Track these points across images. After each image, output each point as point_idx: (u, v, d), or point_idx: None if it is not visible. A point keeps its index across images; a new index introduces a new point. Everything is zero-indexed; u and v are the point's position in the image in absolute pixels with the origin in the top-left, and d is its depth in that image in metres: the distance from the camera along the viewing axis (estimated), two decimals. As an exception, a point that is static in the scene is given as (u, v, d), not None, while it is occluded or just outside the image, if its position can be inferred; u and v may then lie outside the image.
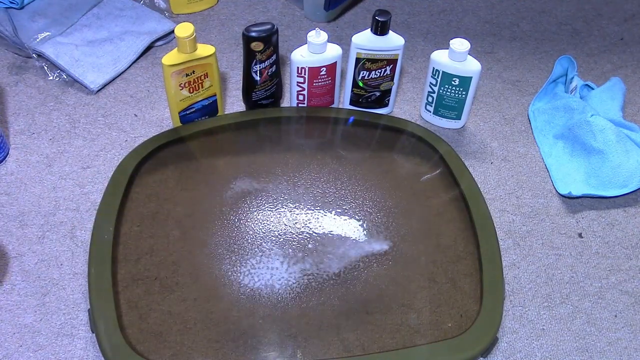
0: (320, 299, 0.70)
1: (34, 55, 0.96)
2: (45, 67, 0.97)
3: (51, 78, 0.97)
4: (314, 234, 0.76)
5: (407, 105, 0.98)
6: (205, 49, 0.82)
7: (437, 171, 0.84)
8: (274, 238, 0.75)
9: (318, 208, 0.79)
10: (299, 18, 1.13)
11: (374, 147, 0.88)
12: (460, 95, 0.89)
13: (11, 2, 1.00)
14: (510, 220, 0.83)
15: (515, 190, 0.87)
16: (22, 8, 1.02)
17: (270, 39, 0.83)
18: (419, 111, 0.97)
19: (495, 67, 1.06)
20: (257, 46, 0.83)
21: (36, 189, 0.82)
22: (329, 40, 0.86)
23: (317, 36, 0.85)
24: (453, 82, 0.88)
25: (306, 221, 0.77)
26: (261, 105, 0.92)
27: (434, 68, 0.88)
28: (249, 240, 0.75)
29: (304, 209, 0.79)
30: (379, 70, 0.88)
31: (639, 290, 0.77)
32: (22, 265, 0.74)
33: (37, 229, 0.78)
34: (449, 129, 0.94)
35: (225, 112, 0.94)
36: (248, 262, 0.73)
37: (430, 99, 0.92)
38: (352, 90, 0.92)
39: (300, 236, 0.75)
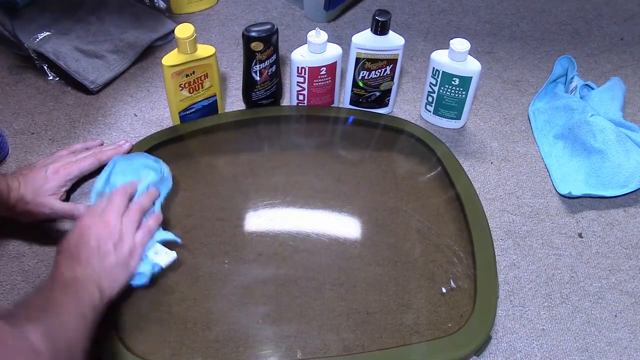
0: (320, 299, 0.69)
1: (34, 55, 0.96)
2: (45, 67, 0.97)
3: (51, 78, 0.97)
4: (313, 233, 0.76)
5: (407, 105, 0.98)
6: (205, 50, 0.82)
7: (435, 172, 0.84)
8: (273, 237, 0.75)
9: (317, 207, 0.79)
10: (299, 18, 1.13)
11: (372, 147, 0.88)
12: (460, 95, 0.89)
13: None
14: (510, 220, 0.83)
15: (515, 190, 0.87)
16: (22, 8, 1.02)
17: (270, 39, 0.83)
18: (419, 111, 0.97)
19: (495, 67, 1.06)
20: (257, 46, 0.83)
21: (36, 189, 0.82)
22: (329, 40, 0.86)
23: (317, 36, 0.84)
24: (453, 82, 0.88)
25: (305, 220, 0.77)
26: (261, 105, 0.92)
27: (434, 68, 0.88)
28: (249, 240, 0.75)
29: (303, 208, 0.79)
30: (379, 70, 0.88)
31: (639, 290, 0.77)
32: (22, 265, 0.74)
33: (37, 229, 0.78)
34: (449, 128, 0.94)
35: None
36: (247, 261, 0.73)
37: (430, 98, 0.92)
38: (352, 90, 0.92)
39: (299, 235, 0.75)
